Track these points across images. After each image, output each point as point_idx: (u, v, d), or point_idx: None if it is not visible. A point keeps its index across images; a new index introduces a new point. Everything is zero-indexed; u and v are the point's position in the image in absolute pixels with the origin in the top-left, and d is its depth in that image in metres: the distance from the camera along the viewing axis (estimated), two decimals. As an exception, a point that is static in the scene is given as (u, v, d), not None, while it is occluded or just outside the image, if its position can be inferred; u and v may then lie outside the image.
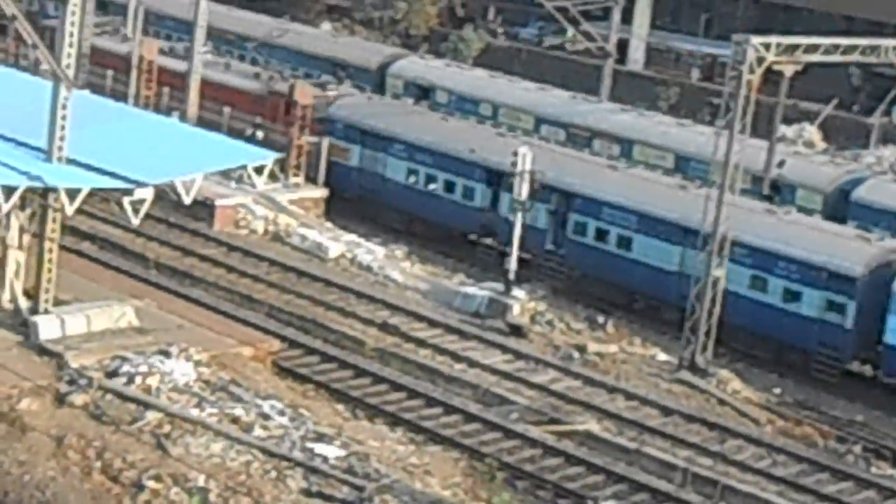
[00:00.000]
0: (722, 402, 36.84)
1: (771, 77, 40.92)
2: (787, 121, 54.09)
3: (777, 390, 38.49)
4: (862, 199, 45.28)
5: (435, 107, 54.53)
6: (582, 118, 52.45)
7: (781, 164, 46.41)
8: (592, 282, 44.47)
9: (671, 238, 42.70)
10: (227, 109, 52.11)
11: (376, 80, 58.10)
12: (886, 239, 41.57)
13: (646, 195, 44.14)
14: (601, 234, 44.25)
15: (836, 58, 42.37)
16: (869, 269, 39.65)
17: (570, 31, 64.96)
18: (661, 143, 50.00)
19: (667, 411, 35.55)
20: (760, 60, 37.95)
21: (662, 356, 39.37)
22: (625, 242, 43.55)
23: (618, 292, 43.95)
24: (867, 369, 39.76)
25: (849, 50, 42.84)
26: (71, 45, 32.03)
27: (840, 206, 45.37)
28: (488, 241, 47.01)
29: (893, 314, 38.49)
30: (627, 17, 67.40)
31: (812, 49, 40.36)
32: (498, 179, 46.65)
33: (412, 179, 48.99)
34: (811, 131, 58.76)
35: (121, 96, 51.08)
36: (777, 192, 46.62)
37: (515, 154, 41.41)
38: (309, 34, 65.56)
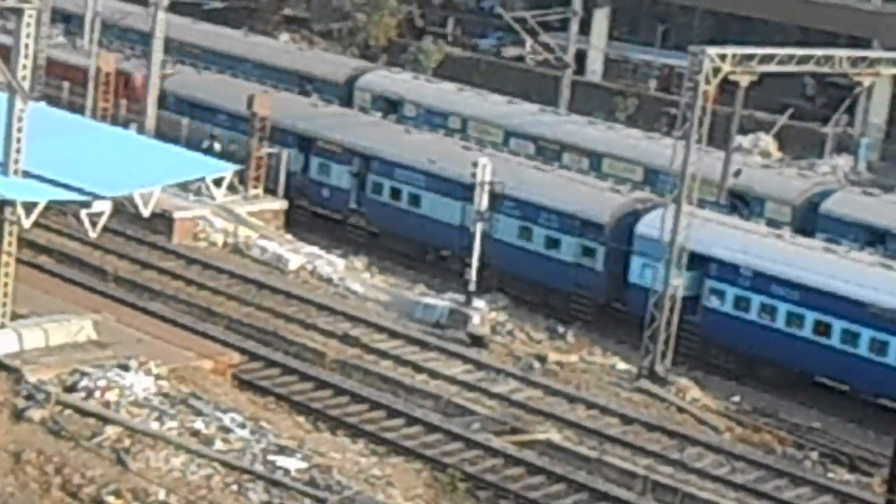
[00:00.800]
0: (681, 410, 36.95)
1: (727, 87, 41.09)
2: (743, 131, 54.45)
3: (736, 398, 38.66)
4: (830, 211, 45.37)
5: (403, 120, 54.23)
6: (551, 131, 52.45)
7: (738, 173, 46.52)
8: (389, 237, 48.41)
9: (454, 195, 46.15)
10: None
11: (343, 94, 57.72)
12: (637, 191, 46.88)
13: (433, 156, 48.23)
14: (395, 193, 48.23)
15: (790, 68, 42.65)
16: (616, 218, 44.21)
17: (528, 43, 65.27)
18: (630, 157, 50.06)
19: (627, 420, 35.64)
20: (716, 71, 38.16)
21: (622, 365, 39.48)
22: (415, 200, 46.87)
23: (411, 246, 47.74)
24: (618, 306, 44.10)
25: (803, 60, 43.10)
26: (27, 57, 31.81)
27: (809, 219, 45.51)
28: (301, 203, 50.40)
29: (636, 256, 42.91)
30: (585, 29, 67.76)
31: (767, 59, 40.63)
32: (308, 145, 50.78)
33: (234, 148, 50.73)
34: (767, 141, 59.14)
35: (78, 108, 50.84)
36: (745, 204, 46.71)
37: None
38: (275, 47, 65.28)
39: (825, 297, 39.22)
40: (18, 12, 31.72)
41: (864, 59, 46.39)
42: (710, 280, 41.29)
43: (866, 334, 38.58)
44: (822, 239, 43.46)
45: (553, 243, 45.01)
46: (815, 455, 35.37)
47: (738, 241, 41.28)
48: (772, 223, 44.56)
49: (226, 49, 63.00)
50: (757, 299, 40.23)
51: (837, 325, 39.01)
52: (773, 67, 40.95)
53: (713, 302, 41.21)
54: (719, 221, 42.56)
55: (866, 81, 51.45)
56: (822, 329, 39.24)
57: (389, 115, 54.99)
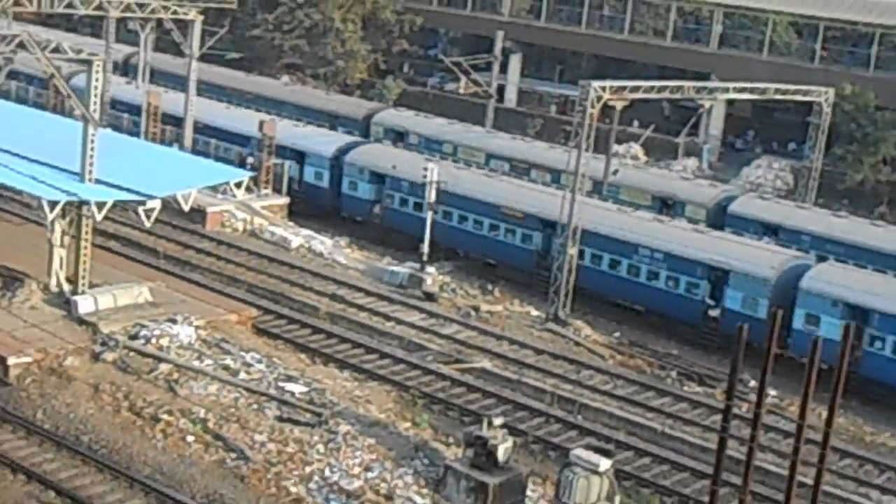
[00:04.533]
0: (578, 343, 37.24)
1: (606, 110, 41.27)
2: (619, 141, 54.49)
3: (617, 334, 39.00)
4: (735, 211, 43.79)
5: (409, 147, 51.94)
6: (521, 154, 50.56)
7: (615, 172, 46.47)
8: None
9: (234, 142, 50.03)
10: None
11: (363, 128, 55.27)
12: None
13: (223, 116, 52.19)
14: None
15: (652, 95, 43.06)
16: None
17: (463, 80, 65.27)
18: (581, 172, 47.33)
19: (538, 352, 35.90)
20: (599, 98, 38.40)
21: (534, 312, 39.65)
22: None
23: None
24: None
25: (661, 89, 43.51)
26: (96, 96, 31.58)
27: (719, 218, 43.79)
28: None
29: (345, 176, 47.90)
30: (504, 69, 67.73)
31: (635, 89, 40.93)
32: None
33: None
34: (636, 148, 59.35)
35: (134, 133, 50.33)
36: (669, 206, 45.22)
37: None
38: (309, 93, 62.42)
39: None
40: (89, 63, 31.52)
41: (705, 88, 46.87)
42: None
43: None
44: (729, 232, 41.57)
45: (317, 175, 48.84)
46: (674, 374, 35.79)
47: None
48: (691, 221, 43.07)
49: (272, 95, 60.22)
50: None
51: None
52: (639, 95, 41.28)
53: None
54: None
55: (707, 104, 52.08)
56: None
57: (398, 143, 52.95)
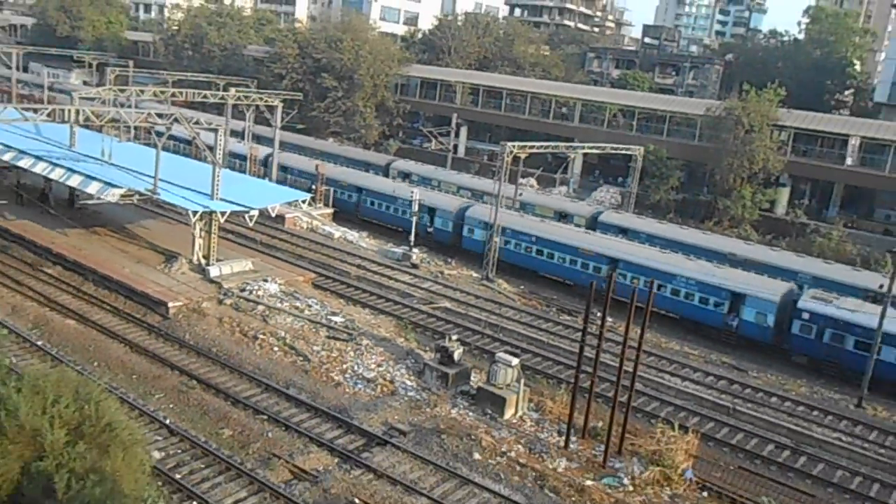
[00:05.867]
0: (499, 293, 37.03)
1: (516, 159, 40.89)
2: (523, 176, 54.12)
3: (522, 287, 38.74)
4: (603, 220, 42.44)
5: (412, 183, 49.24)
6: (478, 186, 48.18)
7: (521, 194, 46.15)
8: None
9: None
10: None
11: (384, 171, 52.79)
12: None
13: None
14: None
15: (542, 151, 42.68)
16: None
17: (433, 142, 64.62)
18: (542, 203, 45.81)
19: (477, 297, 35.64)
20: (511, 152, 38.09)
21: (475, 274, 39.38)
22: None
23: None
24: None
25: (546, 147, 43.07)
26: (220, 149, 30.77)
27: (593, 224, 42.52)
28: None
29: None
30: (457, 135, 67.10)
31: (532, 147, 40.58)
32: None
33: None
34: (532, 182, 59.03)
35: (241, 171, 49.29)
36: (564, 217, 43.63)
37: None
38: (350, 149, 59.48)
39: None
40: (216, 130, 30.72)
41: (571, 146, 46.59)
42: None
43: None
44: (600, 232, 40.22)
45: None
46: (554, 309, 35.65)
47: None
48: (577, 226, 41.69)
49: (330, 150, 58.12)
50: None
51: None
52: (534, 150, 40.94)
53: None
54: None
55: (572, 155, 51.77)
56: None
57: (405, 180, 50.52)
